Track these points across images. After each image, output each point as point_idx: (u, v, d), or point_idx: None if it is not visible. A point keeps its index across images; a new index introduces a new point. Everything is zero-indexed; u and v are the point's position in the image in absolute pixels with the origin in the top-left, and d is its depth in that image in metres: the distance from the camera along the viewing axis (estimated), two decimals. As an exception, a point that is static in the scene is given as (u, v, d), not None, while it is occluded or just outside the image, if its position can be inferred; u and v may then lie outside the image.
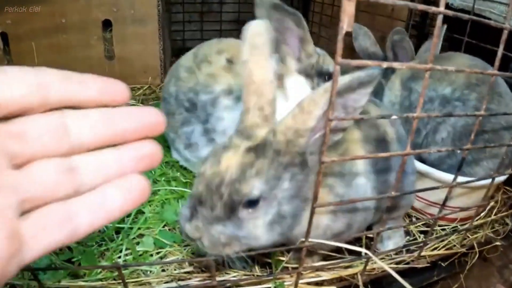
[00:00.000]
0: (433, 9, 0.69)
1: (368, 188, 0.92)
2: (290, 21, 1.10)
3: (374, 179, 0.93)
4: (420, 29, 2.03)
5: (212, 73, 1.30)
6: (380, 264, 0.83)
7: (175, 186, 1.32)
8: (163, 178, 1.37)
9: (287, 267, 1.04)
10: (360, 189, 0.90)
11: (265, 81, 0.75)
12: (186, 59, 1.39)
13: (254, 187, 0.73)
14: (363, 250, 0.83)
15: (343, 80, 0.66)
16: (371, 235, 1.17)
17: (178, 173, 1.40)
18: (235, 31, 2.91)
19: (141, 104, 1.97)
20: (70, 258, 1.09)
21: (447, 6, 1.72)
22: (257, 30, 0.75)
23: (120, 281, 0.94)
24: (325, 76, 1.25)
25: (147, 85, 2.21)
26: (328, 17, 2.40)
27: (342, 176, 0.89)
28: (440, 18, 0.69)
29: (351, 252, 1.03)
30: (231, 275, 1.00)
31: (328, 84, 0.67)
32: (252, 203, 0.74)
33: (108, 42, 2.16)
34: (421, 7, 0.69)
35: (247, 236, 0.76)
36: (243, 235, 0.76)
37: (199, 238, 0.76)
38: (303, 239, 0.77)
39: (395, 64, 0.67)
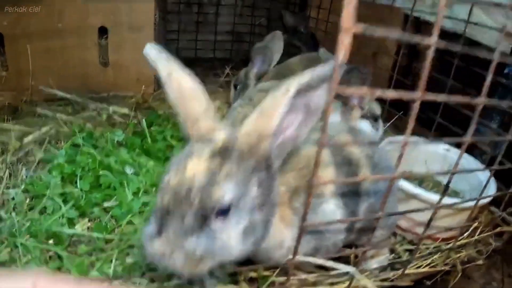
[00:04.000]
0: (425, 40, 0.73)
1: (337, 213, 0.92)
2: (358, 78, 1.33)
3: (343, 202, 0.94)
4: (412, 46, 2.09)
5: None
6: (365, 282, 0.85)
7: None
8: (153, 189, 1.37)
9: (273, 282, 1.06)
10: (327, 214, 0.90)
11: (195, 85, 0.77)
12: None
13: (226, 190, 0.70)
14: (349, 269, 0.85)
15: (303, 78, 0.67)
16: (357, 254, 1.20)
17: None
18: (229, 42, 2.98)
19: (133, 113, 1.98)
20: (60, 266, 1.10)
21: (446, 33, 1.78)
22: (157, 48, 0.81)
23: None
24: (374, 118, 1.55)
25: (140, 93, 2.22)
26: (326, 11, 2.45)
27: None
28: (432, 50, 0.73)
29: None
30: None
31: (286, 84, 0.68)
32: (224, 212, 0.71)
33: (103, 49, 2.17)
34: (416, 38, 0.73)
35: (221, 248, 0.71)
36: (217, 247, 0.71)
37: (171, 255, 0.68)
38: (290, 256, 0.79)
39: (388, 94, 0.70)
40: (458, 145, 1.59)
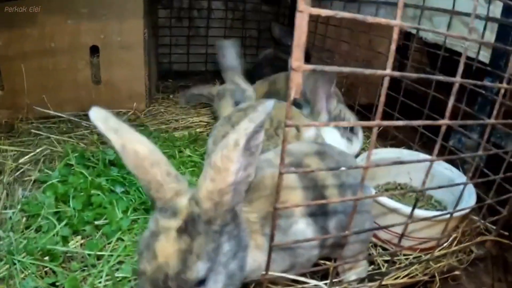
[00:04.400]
0: (379, 72, 0.78)
1: (308, 231, 0.96)
2: (322, 82, 1.34)
3: (313, 221, 0.97)
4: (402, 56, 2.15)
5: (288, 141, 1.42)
6: None
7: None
8: (142, 207, 1.42)
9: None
10: (298, 234, 0.93)
11: (153, 150, 0.76)
12: None
13: (199, 271, 0.71)
14: (321, 284, 0.90)
15: (248, 128, 0.69)
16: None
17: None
18: (220, 55, 3.01)
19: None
20: (54, 282, 1.15)
21: (421, 41, 1.82)
22: (103, 115, 0.76)
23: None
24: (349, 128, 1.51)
25: (131, 110, 2.27)
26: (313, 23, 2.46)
27: (278, 227, 0.89)
28: (387, 80, 0.78)
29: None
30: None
31: (233, 137, 0.70)
32: (201, 282, 0.73)
33: (95, 67, 2.22)
34: (367, 71, 0.78)
35: None
36: None
37: None
38: (263, 272, 0.83)
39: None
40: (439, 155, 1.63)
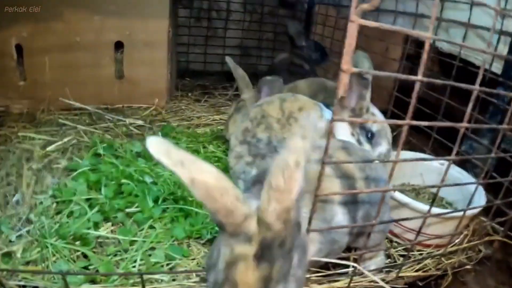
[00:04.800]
0: (413, 77, 0.86)
1: (344, 220, 1.06)
2: (357, 83, 1.38)
3: (347, 210, 1.07)
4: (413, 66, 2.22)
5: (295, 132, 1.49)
6: (367, 274, 0.99)
7: (183, 205, 1.45)
8: (171, 197, 1.50)
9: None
10: (338, 224, 1.03)
11: (220, 177, 0.73)
12: (274, 111, 1.52)
13: None
14: (352, 264, 0.99)
15: (304, 147, 0.71)
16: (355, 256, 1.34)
17: (186, 193, 1.53)
18: (237, 56, 3.12)
19: (149, 125, 2.11)
20: (87, 265, 1.21)
21: (437, 50, 1.91)
22: (165, 148, 0.71)
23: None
24: (367, 132, 1.50)
25: (153, 106, 2.35)
26: (331, 28, 2.57)
27: (325, 219, 1.01)
28: (417, 84, 0.87)
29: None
30: None
31: (292, 158, 0.71)
32: None
33: (118, 63, 2.29)
34: (403, 76, 0.86)
35: None
36: None
37: None
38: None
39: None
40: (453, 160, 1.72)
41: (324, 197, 1.02)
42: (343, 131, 1.50)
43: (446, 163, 1.69)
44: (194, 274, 1.20)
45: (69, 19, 2.11)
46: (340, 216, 1.05)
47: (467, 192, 1.55)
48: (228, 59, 1.95)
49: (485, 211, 1.51)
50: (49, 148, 1.79)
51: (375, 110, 1.53)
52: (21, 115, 2.14)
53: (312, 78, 2.06)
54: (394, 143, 1.94)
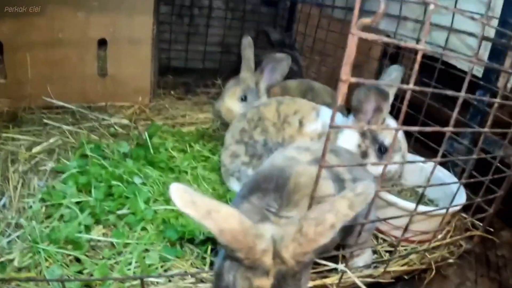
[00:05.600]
0: (404, 86, 0.91)
1: None
2: (376, 96, 1.34)
3: None
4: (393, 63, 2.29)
5: (292, 135, 1.50)
6: (353, 278, 1.04)
7: (174, 206, 1.46)
8: (161, 198, 1.51)
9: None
10: None
11: (241, 221, 0.77)
12: (270, 114, 1.53)
13: None
14: (339, 267, 1.03)
15: (347, 216, 0.76)
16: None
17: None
18: (219, 53, 3.11)
19: (134, 124, 2.10)
20: (80, 270, 1.20)
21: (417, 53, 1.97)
22: (190, 199, 0.74)
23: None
24: (379, 146, 1.45)
25: (136, 104, 2.33)
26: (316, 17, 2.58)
27: None
28: (408, 93, 0.92)
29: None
30: None
31: (331, 219, 0.76)
32: None
33: (102, 60, 2.26)
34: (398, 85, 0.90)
35: None
36: None
37: None
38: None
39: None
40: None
41: (320, 198, 1.06)
42: (349, 141, 1.46)
43: (428, 162, 1.78)
44: (189, 275, 1.21)
45: (51, 15, 2.06)
46: None
47: (448, 189, 1.63)
48: (245, 39, 1.91)
49: (464, 208, 1.58)
50: (34, 150, 1.76)
51: (391, 121, 1.48)
52: (1, 114, 2.08)
53: (301, 79, 2.09)
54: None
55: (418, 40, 1.95)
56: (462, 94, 1.08)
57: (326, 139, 0.86)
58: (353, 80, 0.80)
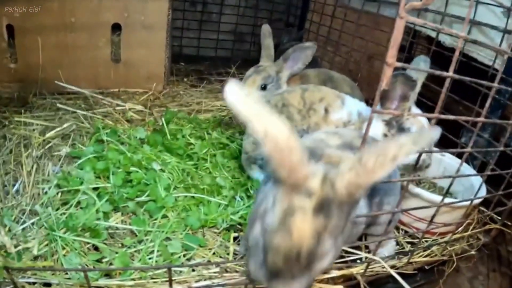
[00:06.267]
0: (444, 74, 0.89)
1: (363, 207, 1.09)
2: (403, 84, 1.32)
3: (367, 198, 1.10)
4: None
5: (317, 122, 1.47)
6: (383, 264, 1.03)
7: (195, 193, 1.44)
8: (182, 185, 1.48)
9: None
10: (360, 210, 1.06)
11: (289, 135, 0.73)
12: (295, 100, 1.50)
13: (330, 246, 0.77)
14: (367, 255, 1.02)
15: (409, 151, 0.72)
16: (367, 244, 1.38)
17: (197, 181, 1.52)
18: (231, 42, 3.07)
19: (148, 111, 2.07)
20: (99, 258, 1.18)
21: (438, 44, 1.94)
22: (242, 96, 0.71)
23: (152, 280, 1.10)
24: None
25: (150, 91, 2.30)
26: (329, 17, 2.53)
27: None
28: (448, 81, 0.90)
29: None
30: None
31: (393, 150, 0.72)
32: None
33: (115, 45, 2.23)
34: (437, 73, 0.88)
35: (318, 274, 0.84)
36: (315, 275, 0.81)
37: None
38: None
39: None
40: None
41: None
42: (375, 130, 1.43)
43: (447, 154, 1.76)
44: (214, 264, 1.20)
45: (65, -2, 2.01)
46: (362, 201, 1.07)
47: (468, 183, 1.61)
48: (265, 27, 1.90)
49: (483, 201, 1.57)
50: (48, 134, 1.72)
51: (417, 110, 1.46)
52: (12, 100, 2.05)
53: (319, 68, 2.06)
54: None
55: (439, 32, 1.92)
56: (495, 85, 1.07)
57: (368, 124, 0.83)
58: (398, 64, 0.78)
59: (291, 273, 0.76)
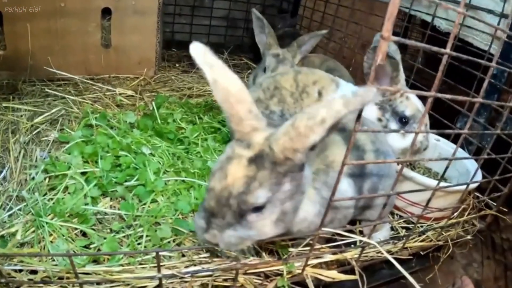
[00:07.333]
0: (442, 50, 0.86)
1: (349, 190, 1.07)
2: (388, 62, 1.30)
3: (353, 181, 1.08)
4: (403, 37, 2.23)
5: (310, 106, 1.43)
6: (378, 248, 1.01)
7: (185, 177, 1.41)
8: (172, 169, 1.45)
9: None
10: (341, 192, 1.03)
11: (240, 88, 0.82)
12: (287, 83, 1.47)
13: (259, 197, 0.81)
14: (362, 239, 1.01)
15: (339, 112, 0.72)
16: (360, 228, 1.37)
17: (187, 165, 1.49)
18: (224, 28, 3.02)
19: (139, 95, 2.03)
20: (87, 244, 1.15)
21: (434, 29, 1.91)
22: (202, 50, 0.82)
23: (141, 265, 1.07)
24: (400, 117, 1.42)
25: (141, 76, 2.26)
26: (323, 2, 2.53)
27: (326, 183, 1.01)
28: (445, 58, 0.87)
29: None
30: (249, 259, 1.12)
31: (322, 113, 0.73)
32: (259, 208, 0.83)
33: (105, 31, 2.18)
34: (434, 49, 0.85)
35: (256, 235, 0.87)
36: (253, 234, 0.86)
37: (216, 243, 0.86)
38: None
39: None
40: (447, 136, 1.75)
41: (329, 162, 1.05)
42: (369, 115, 1.42)
43: (441, 139, 1.74)
44: (204, 249, 1.17)
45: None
46: (345, 185, 1.05)
47: (463, 168, 1.59)
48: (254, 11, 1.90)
49: (478, 188, 1.55)
50: (36, 120, 1.69)
51: (411, 95, 1.43)
52: (1, 87, 2.00)
53: (325, 56, 2.06)
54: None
55: (434, 17, 1.90)
56: (493, 64, 1.04)
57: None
58: (395, 39, 0.75)
59: (222, 215, 0.83)
